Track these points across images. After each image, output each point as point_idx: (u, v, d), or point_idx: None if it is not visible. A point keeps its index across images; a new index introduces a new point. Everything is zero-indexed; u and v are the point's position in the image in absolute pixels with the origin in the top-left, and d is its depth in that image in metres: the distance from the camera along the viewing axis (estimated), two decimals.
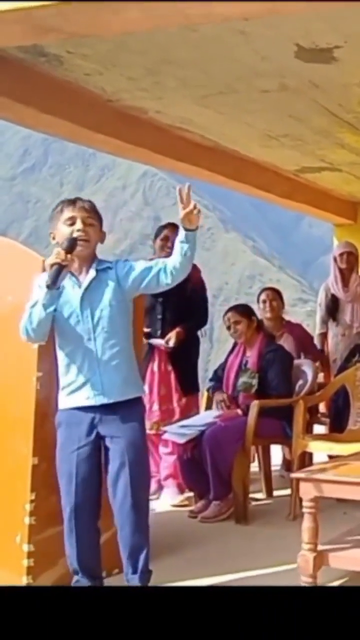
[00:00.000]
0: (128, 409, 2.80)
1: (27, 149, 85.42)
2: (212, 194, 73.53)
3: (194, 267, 4.85)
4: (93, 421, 2.78)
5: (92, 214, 2.82)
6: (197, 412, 4.61)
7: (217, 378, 4.65)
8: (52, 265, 2.65)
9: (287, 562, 3.21)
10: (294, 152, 5.47)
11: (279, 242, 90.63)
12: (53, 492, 2.93)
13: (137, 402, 2.87)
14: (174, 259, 2.80)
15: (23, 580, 2.92)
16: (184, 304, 4.60)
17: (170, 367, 4.58)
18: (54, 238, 2.83)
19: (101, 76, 4.00)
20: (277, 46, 3.61)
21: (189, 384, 4.66)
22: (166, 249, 4.65)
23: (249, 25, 3.36)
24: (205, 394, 4.81)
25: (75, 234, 2.75)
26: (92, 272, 2.81)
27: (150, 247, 5.01)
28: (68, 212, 2.79)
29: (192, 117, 4.70)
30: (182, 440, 4.22)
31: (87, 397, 2.77)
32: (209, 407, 4.70)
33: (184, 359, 4.63)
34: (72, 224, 2.77)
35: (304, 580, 3.00)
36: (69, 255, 2.67)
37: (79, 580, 2.80)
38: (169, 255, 4.62)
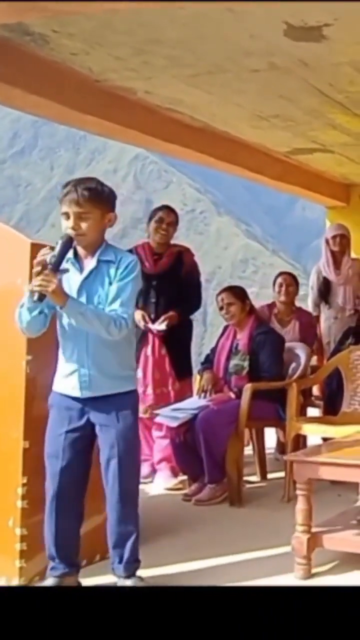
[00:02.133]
0: (120, 400, 2.77)
1: (16, 132, 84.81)
2: (204, 177, 73.34)
3: (188, 250, 4.84)
4: (84, 407, 2.76)
5: (88, 205, 2.70)
6: (191, 396, 4.60)
7: (209, 362, 4.64)
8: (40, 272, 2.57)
9: (281, 544, 3.22)
10: (285, 133, 5.43)
11: (273, 225, 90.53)
12: (45, 476, 2.92)
13: (130, 393, 2.83)
14: None
15: (16, 564, 2.92)
16: (178, 287, 4.58)
17: (164, 351, 4.56)
18: None
19: (88, 56, 3.94)
20: (266, 24, 3.55)
21: (182, 368, 4.65)
22: (160, 231, 4.63)
23: (237, 3, 3.31)
24: (198, 377, 4.80)
25: (67, 231, 2.69)
26: (94, 262, 2.76)
27: (141, 231, 4.98)
28: (63, 207, 2.74)
29: (182, 98, 4.65)
30: (174, 424, 4.21)
31: (73, 387, 2.76)
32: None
33: (177, 343, 4.61)
34: (67, 219, 2.72)
35: (298, 562, 3.01)
36: (55, 280, 2.57)
37: (55, 567, 2.79)
38: (162, 237, 4.65)
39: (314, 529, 3.05)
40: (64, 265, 2.67)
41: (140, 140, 5.26)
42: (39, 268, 2.58)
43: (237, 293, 4.58)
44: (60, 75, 4.11)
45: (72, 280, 2.73)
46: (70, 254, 2.73)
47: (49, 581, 2.79)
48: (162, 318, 4.50)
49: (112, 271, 2.75)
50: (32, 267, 2.66)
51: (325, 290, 5.44)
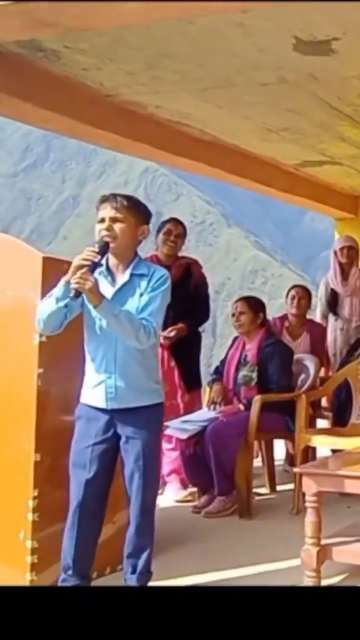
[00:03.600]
0: (147, 413, 2.79)
1: (28, 146, 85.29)
2: (213, 189, 73.46)
3: (196, 262, 4.86)
4: (112, 420, 2.78)
5: (124, 212, 2.75)
6: (200, 408, 4.61)
7: (219, 373, 4.65)
8: (80, 267, 2.61)
9: (291, 556, 3.22)
10: (294, 145, 5.46)
11: (281, 236, 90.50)
12: (56, 489, 2.93)
13: (157, 406, 2.84)
14: None
15: (27, 577, 2.92)
16: (187, 299, 4.60)
17: (173, 363, 4.57)
18: None
19: (99, 71, 3.98)
20: (275, 39, 3.59)
21: (192, 380, 4.66)
22: (168, 242, 4.64)
23: (246, 18, 3.34)
24: (207, 389, 4.81)
25: (101, 233, 2.73)
26: (127, 276, 2.78)
27: (151, 243, 5.00)
28: (100, 212, 2.79)
29: (191, 111, 4.69)
30: (184, 436, 4.22)
31: (100, 398, 2.77)
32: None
33: (186, 355, 4.62)
34: (102, 222, 2.76)
35: (308, 575, 3.00)
36: (98, 256, 2.65)
37: (66, 579, 2.78)
38: (170, 249, 4.67)
39: (323, 541, 3.04)
40: (96, 275, 2.69)
41: (150, 154, 5.31)
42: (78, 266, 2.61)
43: (251, 304, 4.58)
44: (72, 90, 4.16)
45: (104, 292, 2.72)
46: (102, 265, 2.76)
47: None
48: (170, 329, 4.52)
49: (143, 283, 2.77)
50: (43, 280, 2.69)
51: (333, 302, 5.45)
